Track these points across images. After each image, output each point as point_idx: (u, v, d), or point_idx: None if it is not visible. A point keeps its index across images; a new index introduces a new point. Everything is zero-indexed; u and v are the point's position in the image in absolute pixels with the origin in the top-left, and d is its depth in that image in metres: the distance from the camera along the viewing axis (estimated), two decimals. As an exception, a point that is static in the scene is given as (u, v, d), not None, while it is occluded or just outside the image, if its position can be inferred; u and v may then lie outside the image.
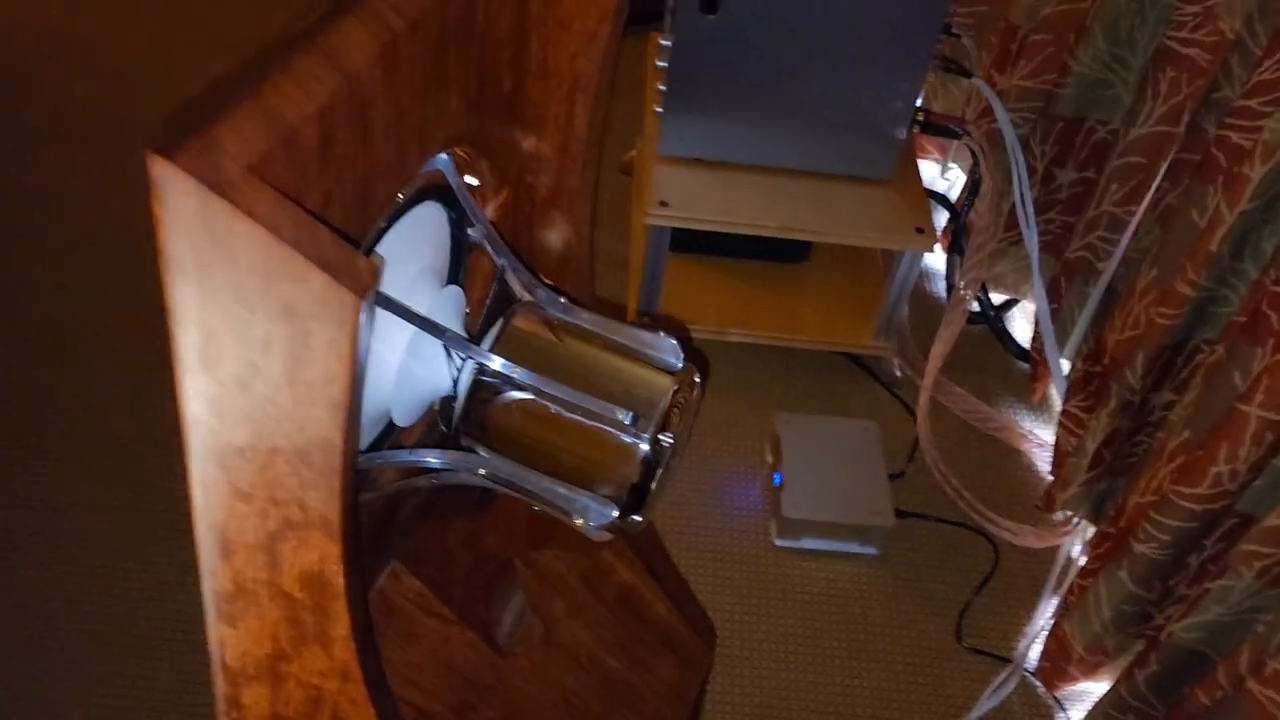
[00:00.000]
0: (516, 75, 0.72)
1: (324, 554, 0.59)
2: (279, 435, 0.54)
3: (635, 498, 0.67)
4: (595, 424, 0.66)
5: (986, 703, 1.46)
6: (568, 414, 0.66)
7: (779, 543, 1.59)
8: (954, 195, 2.07)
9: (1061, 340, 1.77)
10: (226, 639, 0.66)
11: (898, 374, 1.85)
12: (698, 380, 0.70)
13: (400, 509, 0.82)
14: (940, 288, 2.00)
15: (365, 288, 0.47)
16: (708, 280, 1.83)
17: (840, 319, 1.83)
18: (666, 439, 0.67)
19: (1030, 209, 1.75)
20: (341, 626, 0.63)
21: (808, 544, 1.58)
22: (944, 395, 1.82)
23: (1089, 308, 1.72)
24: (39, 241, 1.85)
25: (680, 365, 0.69)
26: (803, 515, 1.55)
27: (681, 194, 1.63)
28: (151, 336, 1.69)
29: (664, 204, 1.62)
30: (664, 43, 1.77)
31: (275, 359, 0.51)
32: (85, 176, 1.97)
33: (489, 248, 0.71)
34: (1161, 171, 1.56)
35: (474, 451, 0.70)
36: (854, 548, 1.59)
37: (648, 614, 1.04)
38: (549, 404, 0.67)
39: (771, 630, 1.49)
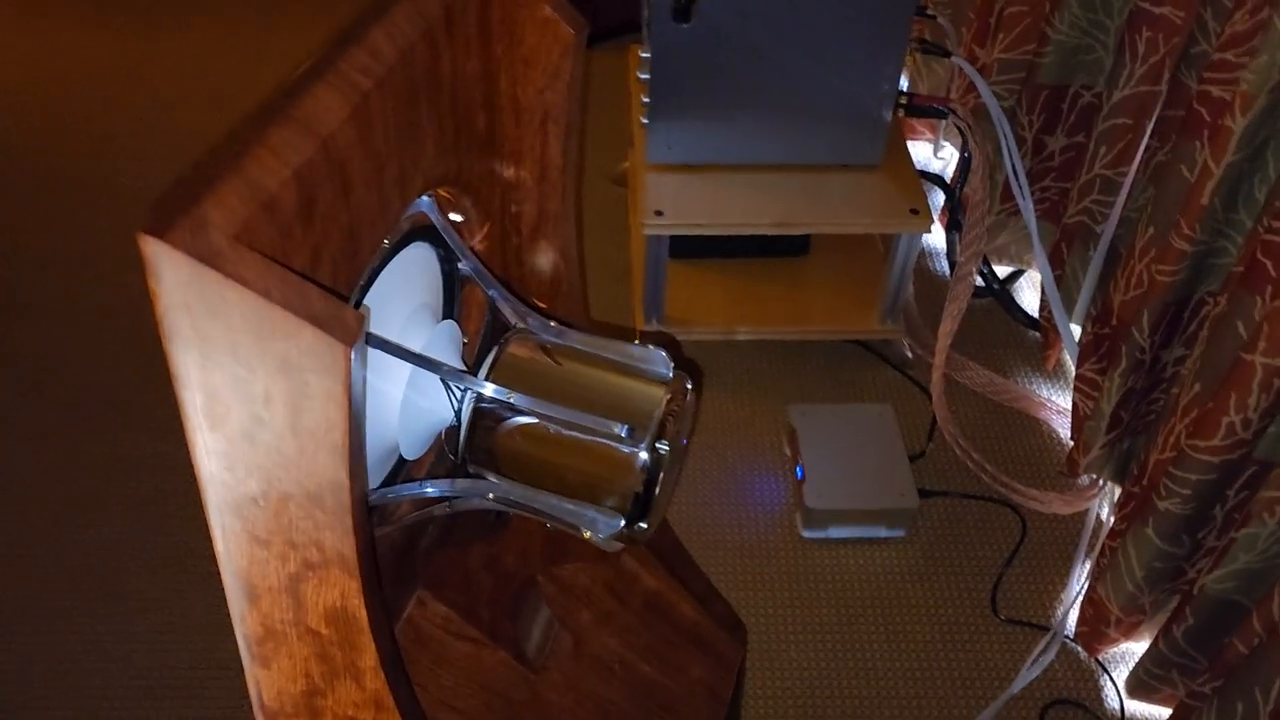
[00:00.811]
0: (489, 113, 0.75)
1: (345, 590, 0.62)
2: (289, 482, 0.57)
3: (640, 506, 0.69)
4: (594, 439, 0.69)
5: (1029, 673, 1.47)
6: (567, 432, 0.69)
7: (806, 534, 1.60)
8: (948, 174, 2.08)
9: (1069, 305, 1.78)
10: (262, 680, 0.68)
11: (908, 355, 1.87)
12: (689, 387, 0.72)
13: (420, 538, 0.84)
14: (943, 266, 2.01)
15: (354, 337, 0.50)
16: (711, 282, 1.85)
17: (846, 307, 1.84)
18: (663, 447, 0.69)
19: (1024, 179, 1.76)
20: (370, 658, 0.66)
21: (834, 533, 1.60)
22: (957, 371, 1.83)
23: (1093, 271, 1.73)
24: (49, 305, 1.90)
25: (671, 375, 0.72)
26: (827, 505, 1.57)
27: (675, 201, 1.66)
28: (159, 393, 1.73)
29: (659, 213, 1.64)
30: (643, 55, 1.79)
31: (277, 411, 0.54)
32: (78, 239, 2.02)
33: (479, 280, 0.74)
34: (1148, 131, 1.57)
35: (482, 477, 0.73)
36: (881, 532, 1.60)
37: (675, 616, 1.06)
38: (548, 425, 0.69)
39: (807, 622, 1.50)
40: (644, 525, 0.69)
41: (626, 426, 0.67)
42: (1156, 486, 1.34)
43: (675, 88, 1.61)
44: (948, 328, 1.74)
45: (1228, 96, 1.33)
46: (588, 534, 0.70)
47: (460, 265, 0.79)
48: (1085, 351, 1.70)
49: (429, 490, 0.71)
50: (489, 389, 0.69)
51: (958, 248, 1.88)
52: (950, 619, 1.52)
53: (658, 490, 0.69)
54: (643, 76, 1.78)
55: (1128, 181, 1.63)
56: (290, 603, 0.63)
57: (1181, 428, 1.35)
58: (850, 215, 1.67)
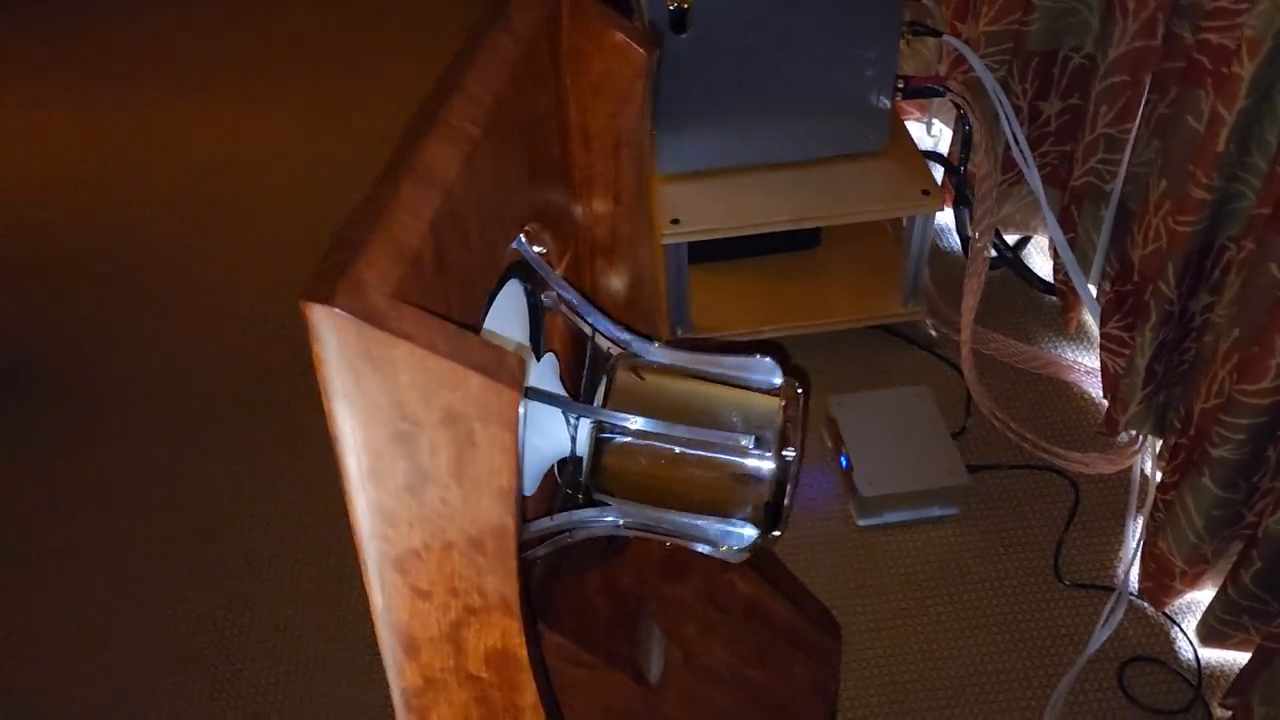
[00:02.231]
0: (562, 144, 0.75)
1: (505, 630, 0.62)
2: (452, 531, 0.57)
3: (771, 515, 0.70)
4: (719, 455, 0.69)
5: (1101, 634, 1.48)
6: (691, 451, 0.70)
7: (861, 523, 1.61)
8: (943, 150, 2.10)
9: (1084, 266, 1.80)
10: (420, 733, 0.68)
11: (933, 334, 1.88)
12: (800, 392, 0.73)
13: (532, 573, 0.85)
14: (951, 243, 2.03)
15: (519, 381, 0.50)
16: (730, 285, 1.86)
17: (866, 294, 1.86)
18: (789, 454, 0.70)
19: (1025, 147, 1.78)
20: (529, 695, 0.66)
21: (889, 518, 1.61)
22: (983, 345, 1.84)
23: (1105, 230, 1.75)
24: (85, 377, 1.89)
25: (781, 381, 0.72)
26: (879, 491, 1.58)
27: (690, 208, 1.67)
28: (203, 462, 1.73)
29: (676, 221, 1.65)
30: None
31: (442, 462, 0.54)
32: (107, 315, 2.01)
33: (578, 310, 0.75)
34: (1147, 85, 1.60)
35: (606, 504, 0.73)
36: (935, 512, 1.61)
37: (773, 619, 1.07)
38: (672, 445, 0.70)
39: (875, 609, 1.51)
40: (776, 533, 0.70)
41: (752, 437, 0.68)
42: (1209, 435, 1.35)
43: (678, 96, 1.62)
44: (970, 303, 1.75)
45: (1230, 43, 1.35)
46: (722, 548, 0.70)
47: (544, 297, 0.79)
48: (1108, 310, 1.71)
49: (561, 521, 0.72)
50: (616, 417, 0.69)
51: (967, 223, 1.90)
52: (1016, 590, 1.54)
53: (787, 498, 0.69)
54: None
55: (1131, 138, 1.65)
56: (451, 650, 0.63)
57: (1224, 374, 1.36)
58: (863, 203, 1.68)
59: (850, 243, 1.93)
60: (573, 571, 0.83)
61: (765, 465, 0.69)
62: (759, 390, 0.72)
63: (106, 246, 2.17)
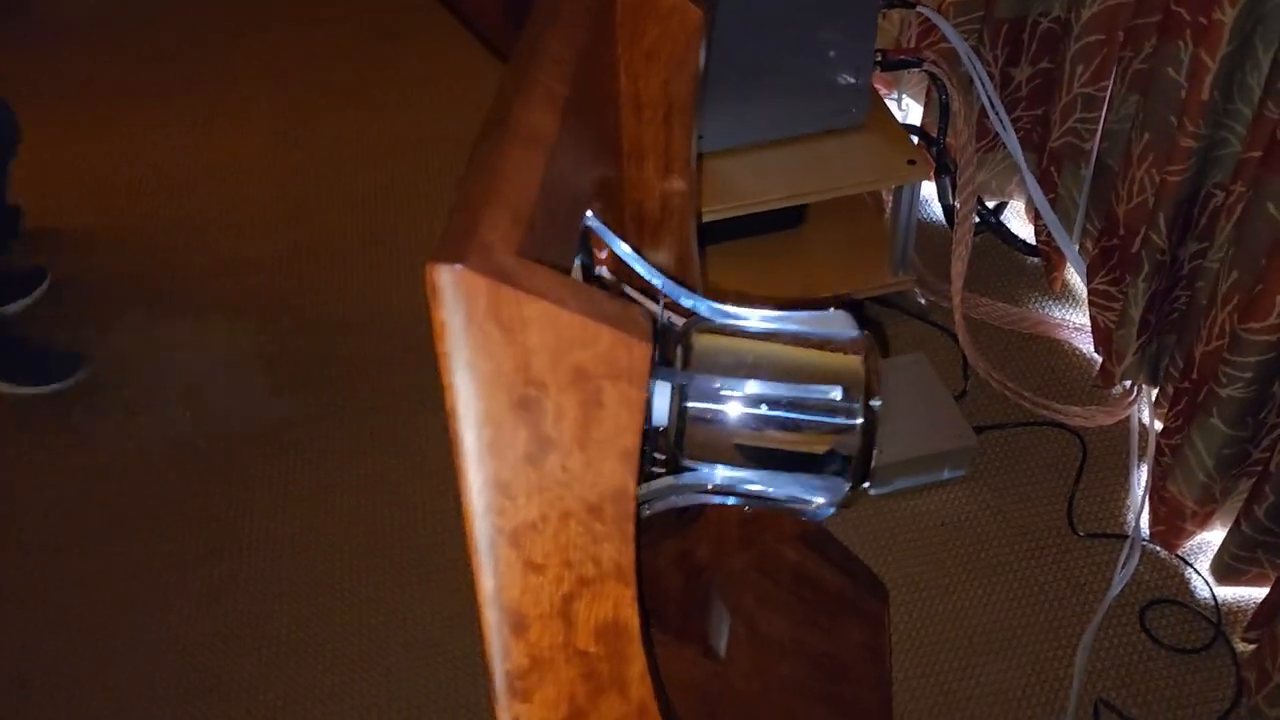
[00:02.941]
0: (614, 113, 0.75)
1: (618, 600, 0.61)
2: (571, 499, 0.56)
3: (861, 466, 0.70)
4: (805, 414, 0.69)
5: (1119, 580, 1.50)
6: (775, 412, 0.69)
7: (874, 492, 1.62)
8: (912, 123, 2.12)
9: (1067, 226, 1.83)
10: (521, 716, 0.67)
11: (922, 301, 1.90)
12: (875, 345, 0.73)
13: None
14: (930, 213, 2.05)
15: (649, 334, 0.50)
16: (719, 268, 1.86)
17: (854, 267, 1.87)
18: (875, 404, 0.70)
19: (1003, 113, 1.80)
20: (638, 666, 0.65)
21: (901, 484, 1.62)
22: (973, 309, 1.86)
23: (1086, 188, 1.78)
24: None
25: (859, 334, 0.73)
26: (889, 459, 1.59)
27: (682, 193, 1.66)
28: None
29: (668, 208, 1.64)
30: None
31: (566, 427, 0.53)
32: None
33: (648, 278, 0.74)
34: (1120, 42, 1.62)
35: (694, 469, 0.73)
36: (945, 475, 1.63)
37: (822, 585, 1.07)
38: (759, 405, 0.69)
39: (897, 575, 1.52)
40: (867, 485, 0.70)
41: (840, 388, 0.68)
42: (1214, 376, 1.38)
43: (663, 82, 1.62)
44: (959, 269, 1.77)
45: (1207, -7, 1.38)
46: (815, 502, 0.70)
47: (600, 270, 0.78)
48: (1094, 266, 1.74)
49: (657, 488, 0.71)
50: (703, 381, 0.69)
51: (949, 192, 1.92)
52: (1032, 544, 1.55)
53: (876, 449, 0.69)
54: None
55: (1108, 95, 1.68)
56: (561, 626, 0.62)
57: (1224, 317, 1.39)
58: (852, 176, 1.69)
59: (834, 219, 1.94)
60: (646, 546, 0.83)
61: (854, 416, 0.69)
62: (836, 344, 0.72)
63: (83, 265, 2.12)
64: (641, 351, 0.50)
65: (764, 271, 1.86)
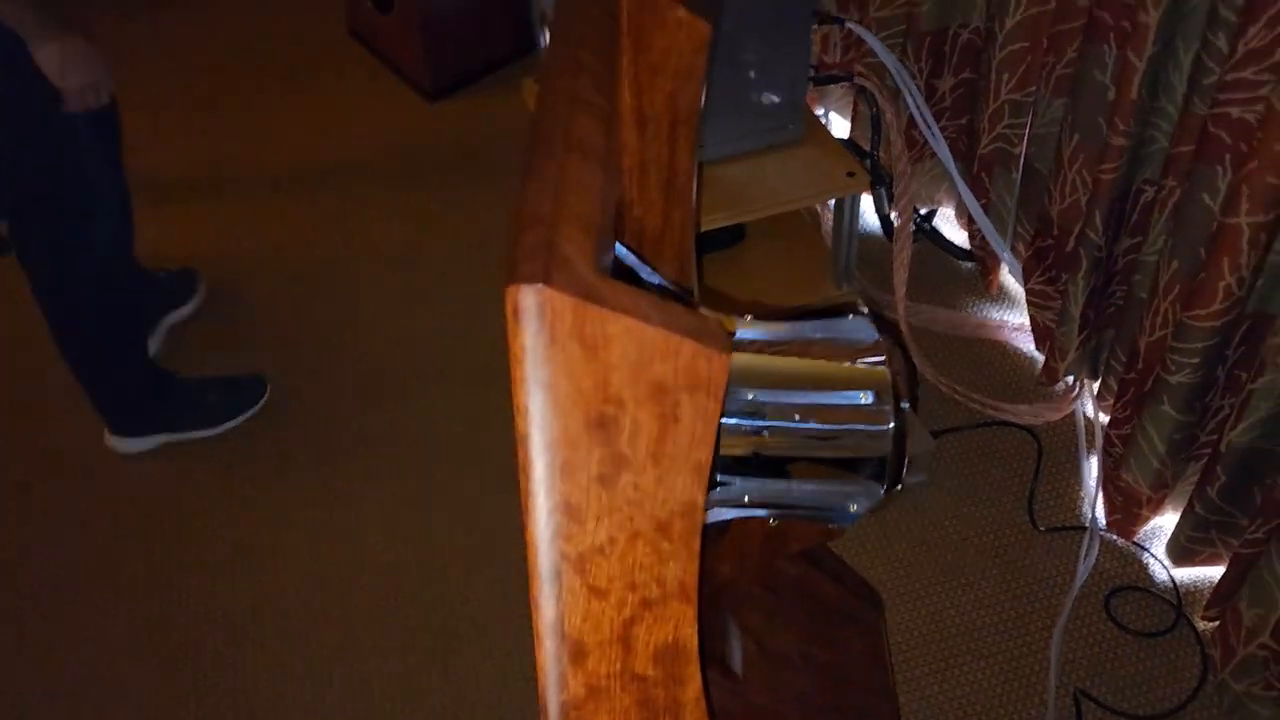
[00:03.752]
0: (617, 127, 0.74)
1: (679, 620, 0.60)
2: (641, 518, 0.55)
3: (895, 468, 0.70)
4: (838, 422, 0.69)
5: (1082, 571, 1.54)
6: (810, 422, 0.69)
7: (839, 502, 1.63)
8: (841, 134, 2.16)
9: (1000, 229, 1.88)
10: (574, 750, 0.65)
11: (865, 312, 1.92)
12: (894, 346, 0.73)
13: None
14: (865, 223, 2.09)
15: (728, 345, 0.49)
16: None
17: (797, 281, 1.89)
18: (905, 405, 0.70)
19: (932, 123, 1.85)
20: (693, 688, 0.64)
21: (865, 493, 1.63)
22: (914, 317, 1.90)
23: (1016, 192, 1.83)
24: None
25: (879, 337, 0.73)
26: (853, 468, 1.60)
27: (628, 216, 1.66)
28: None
29: (616, 231, 1.64)
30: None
31: (642, 443, 0.52)
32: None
33: (664, 293, 0.73)
34: (1044, 49, 1.68)
35: (729, 484, 0.72)
36: (906, 481, 1.65)
37: (823, 597, 1.07)
38: (792, 417, 0.69)
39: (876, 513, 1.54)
40: (901, 486, 0.70)
41: (870, 393, 0.68)
42: (1163, 364, 1.43)
43: (605, 106, 1.62)
44: (902, 277, 1.81)
45: (1129, -1, 1.44)
46: (850, 509, 0.70)
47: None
48: (1029, 267, 1.80)
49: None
50: (733, 395, 0.68)
51: (885, 203, 1.95)
52: (996, 543, 1.58)
53: (909, 449, 0.69)
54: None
55: (1035, 100, 1.73)
56: (620, 652, 0.61)
57: (1168, 306, 1.44)
58: (793, 191, 1.71)
59: (772, 235, 1.96)
60: (670, 566, 0.81)
61: (886, 420, 0.69)
62: (859, 349, 0.72)
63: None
64: (721, 362, 0.49)
65: (707, 292, 1.86)
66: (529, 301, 0.45)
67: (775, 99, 1.69)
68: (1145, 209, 1.54)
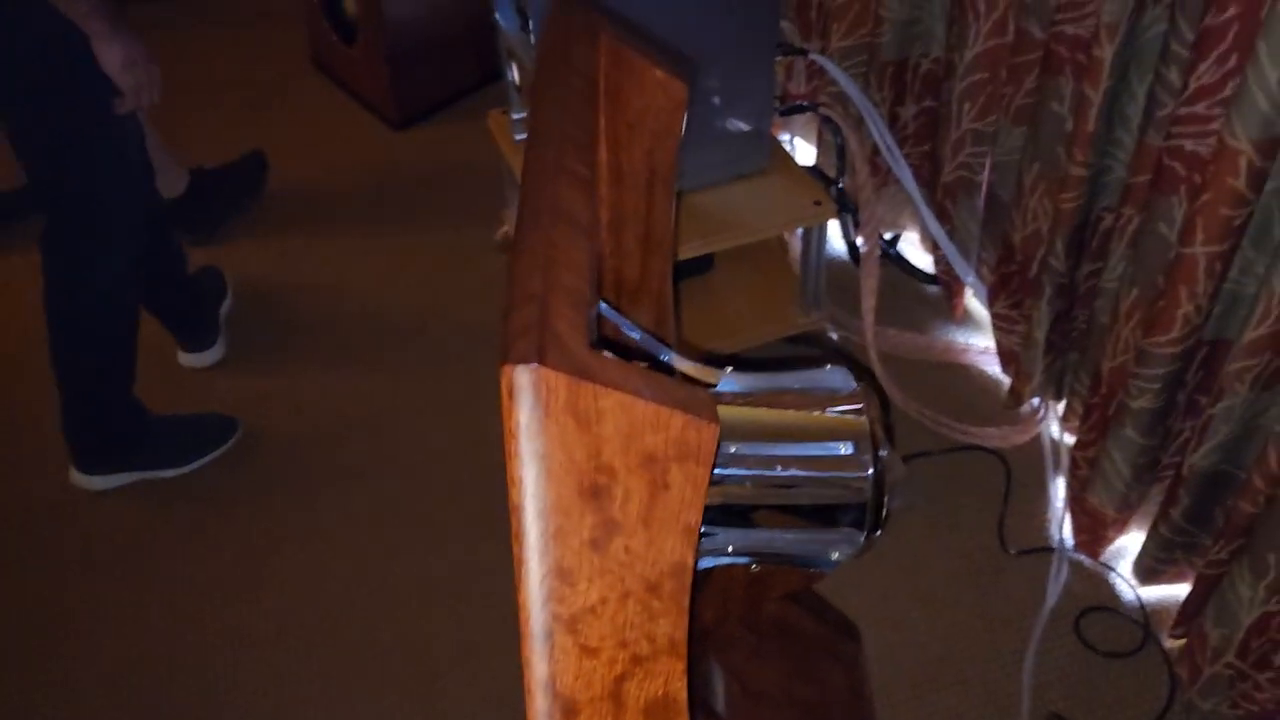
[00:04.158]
0: (596, 182, 0.75)
1: (669, 675, 0.61)
2: (632, 579, 0.56)
3: (874, 515, 0.71)
4: (819, 471, 0.70)
5: (1053, 593, 1.56)
6: (791, 472, 0.70)
7: (812, 529, 1.65)
8: (806, 160, 2.19)
9: (964, 254, 1.91)
10: (566, 805, 0.66)
11: (834, 338, 1.95)
12: (872, 394, 0.75)
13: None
14: (831, 249, 2.11)
15: (716, 414, 0.50)
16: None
17: (767, 309, 1.91)
18: (884, 452, 0.71)
19: (896, 151, 1.88)
20: (683, 740, 0.65)
21: (838, 519, 1.65)
22: (881, 342, 1.92)
23: (980, 218, 1.86)
24: None
25: (855, 386, 0.74)
26: (825, 495, 1.62)
27: (599, 249, 1.67)
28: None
29: (587, 264, 1.65)
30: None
31: (632, 508, 0.53)
32: None
33: (662, 358, 0.74)
34: (1002, 80, 1.72)
35: (712, 534, 0.73)
36: (893, 504, 1.67)
37: (802, 633, 1.08)
38: (773, 468, 0.70)
39: (844, 612, 1.55)
40: (880, 533, 0.72)
41: (850, 443, 0.69)
42: (1126, 389, 1.46)
43: (574, 141, 1.63)
44: (870, 303, 1.83)
45: (1085, 32, 1.47)
46: (834, 556, 0.71)
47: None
48: (994, 292, 1.83)
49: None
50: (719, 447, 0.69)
51: (851, 229, 1.98)
52: (968, 568, 1.60)
53: (888, 496, 0.71)
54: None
55: (995, 130, 1.77)
56: (610, 708, 0.61)
57: (1129, 332, 1.48)
58: (762, 221, 1.73)
59: (741, 262, 1.98)
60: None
61: (865, 468, 0.71)
62: (837, 398, 0.74)
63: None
64: (710, 432, 0.50)
65: (681, 322, 1.88)
66: (524, 380, 0.46)
67: (743, 127, 1.71)
68: (1105, 236, 1.58)
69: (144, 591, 1.64)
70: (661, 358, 0.74)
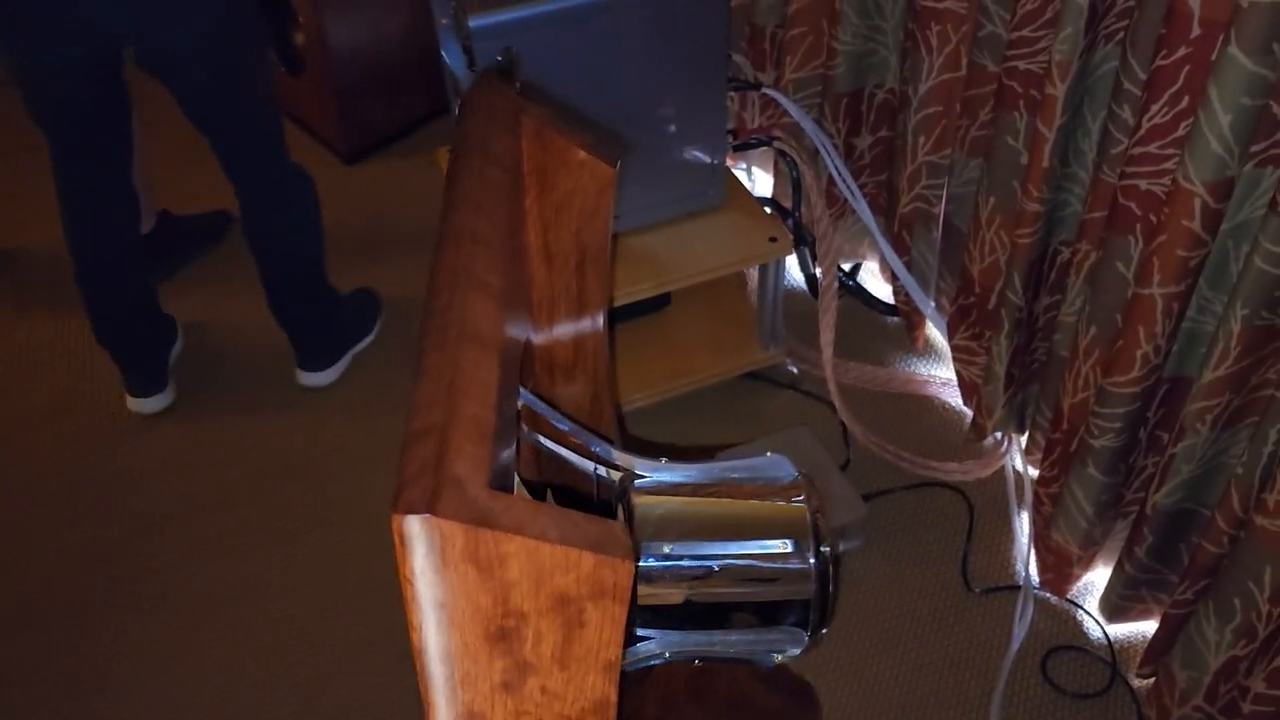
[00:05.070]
0: (525, 263, 0.72)
1: (599, 807, 0.57)
2: (551, 716, 0.52)
3: (820, 611, 0.68)
4: (758, 571, 0.67)
5: (1018, 633, 1.54)
6: (728, 574, 0.67)
7: (774, 572, 1.62)
8: (762, 194, 2.16)
9: (923, 285, 1.89)
10: None
11: (794, 371, 1.92)
12: (815, 483, 0.72)
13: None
14: (789, 280, 2.09)
15: (631, 551, 0.47)
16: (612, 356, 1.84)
17: (725, 345, 1.88)
18: (825, 549, 0.68)
19: (852, 183, 1.86)
20: None
21: (800, 562, 1.62)
22: (842, 375, 1.90)
23: (937, 249, 1.84)
24: None
25: (797, 475, 0.71)
26: (787, 538, 1.59)
27: (551, 291, 1.64)
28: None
29: (539, 307, 1.62)
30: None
31: (546, 649, 0.49)
32: None
33: (579, 439, 0.71)
34: (957, 113, 1.70)
35: (648, 639, 0.69)
36: (841, 548, 1.64)
37: (755, 704, 1.05)
38: (709, 569, 0.67)
39: (804, 660, 1.52)
40: (825, 631, 0.68)
41: (791, 541, 0.66)
42: (1085, 428, 1.44)
43: (522, 182, 1.60)
44: (828, 336, 1.81)
45: (1037, 69, 1.46)
46: (777, 658, 0.68)
47: (523, 427, 0.75)
48: (954, 323, 1.81)
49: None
50: (650, 549, 0.66)
51: (807, 261, 1.96)
52: (931, 608, 1.58)
53: (833, 589, 0.68)
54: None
55: (950, 162, 1.75)
56: (540, 843, 0.58)
57: (1088, 369, 1.46)
58: (717, 258, 1.70)
59: (698, 299, 1.95)
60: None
61: (807, 565, 0.68)
62: (776, 489, 0.71)
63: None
64: (626, 570, 0.47)
65: (636, 360, 1.84)
66: (415, 530, 0.43)
67: (696, 164, 1.69)
68: (1063, 270, 1.56)
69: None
70: (593, 448, 0.70)
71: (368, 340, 2.02)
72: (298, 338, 1.93)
